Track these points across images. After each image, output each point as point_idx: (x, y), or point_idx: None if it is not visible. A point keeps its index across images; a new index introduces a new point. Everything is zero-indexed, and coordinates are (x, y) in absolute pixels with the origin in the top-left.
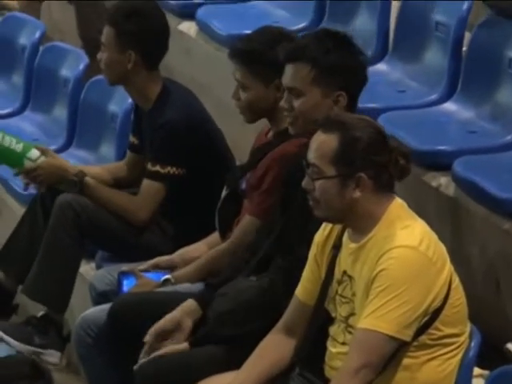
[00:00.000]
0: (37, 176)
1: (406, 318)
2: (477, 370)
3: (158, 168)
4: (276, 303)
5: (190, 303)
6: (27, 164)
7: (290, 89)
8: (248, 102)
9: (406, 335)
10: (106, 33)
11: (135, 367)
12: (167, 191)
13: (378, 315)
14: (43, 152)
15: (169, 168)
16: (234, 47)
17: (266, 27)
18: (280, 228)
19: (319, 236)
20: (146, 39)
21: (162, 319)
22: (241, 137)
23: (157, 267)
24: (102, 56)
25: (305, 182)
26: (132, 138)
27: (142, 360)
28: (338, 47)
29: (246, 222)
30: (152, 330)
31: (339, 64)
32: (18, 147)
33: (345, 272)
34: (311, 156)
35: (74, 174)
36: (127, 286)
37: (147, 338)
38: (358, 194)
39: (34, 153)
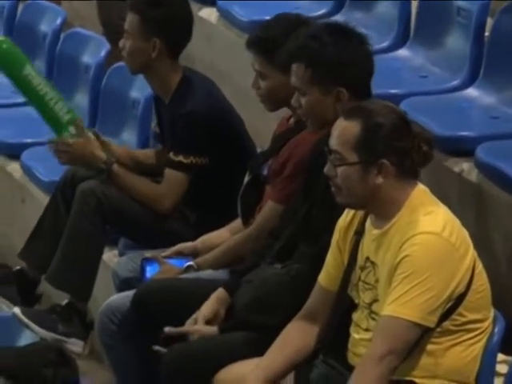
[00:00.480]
0: (65, 152)
1: (429, 305)
2: (500, 356)
3: (181, 158)
4: (302, 291)
5: (222, 292)
6: (65, 136)
7: (296, 88)
8: (267, 91)
9: (430, 321)
10: (130, 20)
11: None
12: (190, 181)
13: (401, 302)
14: (80, 131)
15: (191, 158)
16: (250, 36)
17: (282, 14)
18: (303, 214)
19: (342, 222)
20: (172, 27)
21: (201, 309)
22: (261, 124)
23: (180, 254)
24: (124, 43)
25: (327, 169)
26: (155, 128)
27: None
28: (334, 43)
29: (269, 208)
30: (192, 320)
31: (334, 61)
32: (65, 117)
33: (367, 258)
34: (333, 142)
35: (102, 162)
36: (150, 272)
37: (186, 325)
38: (380, 180)
39: (72, 130)
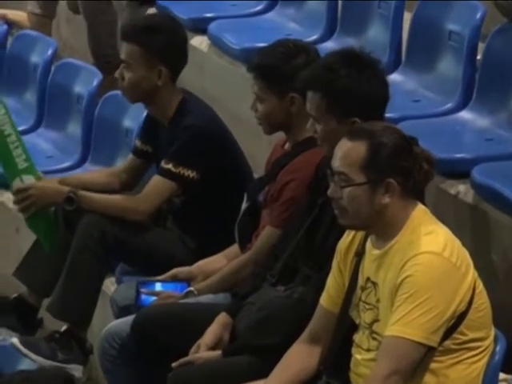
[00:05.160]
0: (28, 196)
1: (432, 324)
2: (501, 375)
3: (170, 166)
4: (306, 314)
5: (225, 317)
6: (16, 183)
7: (311, 115)
8: (264, 114)
9: (433, 341)
10: (130, 51)
11: (169, 375)
12: (173, 192)
13: (405, 322)
14: (38, 179)
15: (181, 168)
16: (252, 61)
17: (282, 41)
18: (305, 236)
19: (342, 243)
20: (173, 52)
21: (205, 335)
22: (254, 150)
23: (175, 278)
24: (123, 75)
25: (331, 191)
26: (141, 145)
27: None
28: (349, 74)
29: (267, 232)
30: (196, 348)
31: (349, 92)
32: (22, 164)
33: (368, 278)
34: (337, 164)
35: (67, 192)
36: (145, 295)
37: (190, 353)
38: (387, 199)
39: (29, 179)
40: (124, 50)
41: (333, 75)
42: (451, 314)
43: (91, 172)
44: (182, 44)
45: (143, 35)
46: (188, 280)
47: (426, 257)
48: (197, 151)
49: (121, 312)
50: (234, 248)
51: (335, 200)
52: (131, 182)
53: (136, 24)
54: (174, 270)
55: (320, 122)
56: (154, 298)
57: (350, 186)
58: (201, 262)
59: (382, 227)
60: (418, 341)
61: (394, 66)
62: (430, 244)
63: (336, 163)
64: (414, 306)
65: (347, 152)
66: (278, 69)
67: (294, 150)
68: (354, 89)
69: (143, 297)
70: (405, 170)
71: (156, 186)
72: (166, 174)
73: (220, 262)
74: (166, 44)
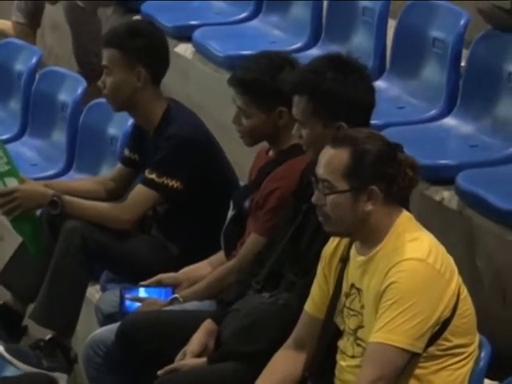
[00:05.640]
0: (13, 199)
1: (417, 331)
2: (486, 381)
3: (153, 176)
4: (291, 320)
5: (210, 324)
6: None
7: (297, 120)
8: (250, 129)
9: (418, 347)
10: (110, 55)
11: (155, 383)
12: (156, 201)
13: (389, 328)
14: (22, 181)
15: (164, 178)
16: (235, 76)
17: (265, 53)
18: (290, 243)
19: (327, 249)
20: (152, 54)
21: (190, 342)
22: (240, 157)
23: (159, 283)
24: (105, 81)
25: (315, 198)
26: (129, 153)
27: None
28: (336, 78)
29: (252, 240)
30: (181, 355)
31: (336, 96)
32: (3, 167)
33: (353, 285)
34: (321, 171)
35: (52, 195)
36: (130, 301)
37: (176, 361)
38: (370, 206)
39: (12, 182)
40: (105, 55)
41: (319, 78)
42: (436, 321)
43: (77, 179)
44: (161, 47)
45: (122, 39)
46: (173, 286)
47: (410, 263)
48: (181, 161)
49: (105, 320)
50: (220, 255)
51: (319, 207)
52: (119, 191)
53: (115, 29)
54: (159, 276)
55: (306, 126)
56: (139, 304)
57: (333, 194)
58: (186, 269)
59: (367, 234)
60: (403, 347)
61: (379, 72)
62: (414, 250)
63: (320, 170)
64: (398, 312)
65: (330, 159)
66: (263, 83)
67: (279, 157)
68: (340, 92)
69: (127, 303)
70: (388, 177)
71: (139, 195)
72: (149, 183)
73: (205, 269)
74: (144, 46)
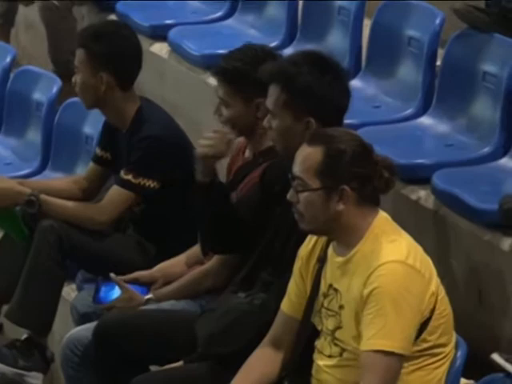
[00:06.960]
0: None
1: (408, 333)
2: (462, 380)
3: (130, 177)
4: (267, 320)
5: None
6: None
7: (269, 110)
8: (229, 119)
9: (409, 350)
10: (79, 55)
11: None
12: (133, 202)
13: (381, 335)
14: None
15: (140, 179)
16: (218, 65)
17: (248, 45)
18: (265, 243)
19: (303, 249)
20: (116, 60)
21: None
22: None
23: (136, 281)
24: (76, 79)
25: (290, 195)
26: (101, 152)
27: None
28: (311, 72)
29: None
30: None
31: (308, 90)
32: None
33: (331, 285)
34: (296, 169)
35: (29, 194)
36: (105, 293)
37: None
38: (341, 206)
39: None
40: (76, 54)
41: (295, 70)
42: (419, 321)
43: (52, 179)
44: (131, 52)
45: (88, 40)
46: (149, 284)
47: (390, 266)
48: (156, 161)
49: (81, 319)
50: (196, 249)
51: (294, 204)
52: (93, 190)
53: (86, 29)
54: (136, 274)
55: (276, 116)
56: (114, 296)
57: (306, 191)
58: (162, 265)
59: (342, 234)
60: (399, 352)
61: (354, 72)
62: (393, 253)
63: (295, 168)
64: (387, 317)
65: (305, 157)
66: (245, 73)
67: (257, 159)
68: (314, 88)
69: (102, 295)
70: (362, 178)
71: (116, 196)
72: (125, 185)
73: (181, 265)
74: (108, 51)
